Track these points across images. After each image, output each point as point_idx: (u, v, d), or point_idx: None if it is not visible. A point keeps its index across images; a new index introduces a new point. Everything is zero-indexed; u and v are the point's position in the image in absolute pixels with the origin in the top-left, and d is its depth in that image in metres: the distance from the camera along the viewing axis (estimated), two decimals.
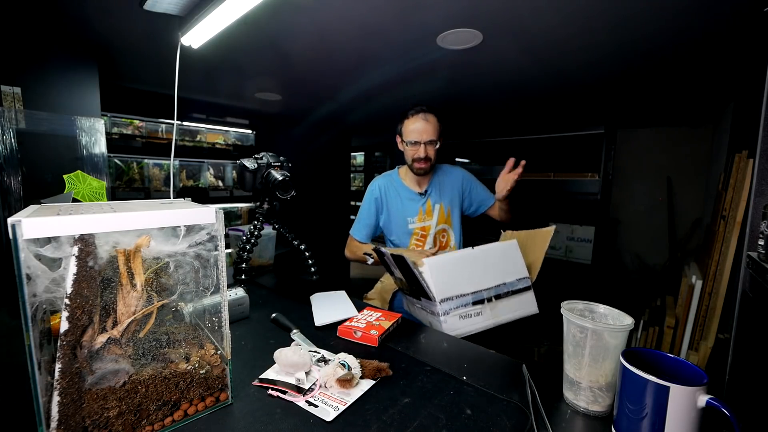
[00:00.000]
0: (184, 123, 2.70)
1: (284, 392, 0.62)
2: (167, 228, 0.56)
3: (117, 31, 1.45)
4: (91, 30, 1.46)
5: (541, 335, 2.68)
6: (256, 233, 1.21)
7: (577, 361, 0.59)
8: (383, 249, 1.05)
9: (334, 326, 0.89)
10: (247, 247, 1.19)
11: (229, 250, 1.48)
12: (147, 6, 1.14)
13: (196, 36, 1.25)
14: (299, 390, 0.62)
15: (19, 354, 0.44)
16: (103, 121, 1.61)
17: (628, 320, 0.59)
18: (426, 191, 1.41)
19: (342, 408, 0.59)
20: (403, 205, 1.41)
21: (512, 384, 0.67)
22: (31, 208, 0.56)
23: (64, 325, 0.47)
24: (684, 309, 1.78)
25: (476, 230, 1.66)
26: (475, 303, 0.95)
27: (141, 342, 0.54)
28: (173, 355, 0.57)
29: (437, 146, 1.35)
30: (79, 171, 0.88)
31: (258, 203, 1.24)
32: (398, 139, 1.39)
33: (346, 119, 3.42)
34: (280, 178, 1.13)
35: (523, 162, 1.21)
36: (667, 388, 0.46)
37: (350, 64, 1.80)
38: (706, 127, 2.86)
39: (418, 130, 1.31)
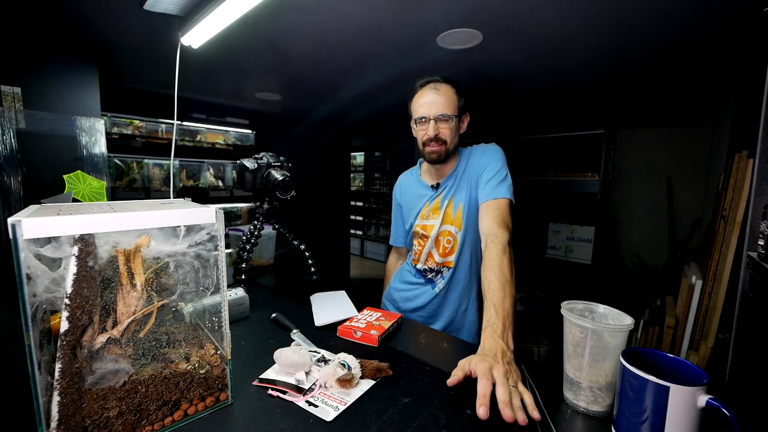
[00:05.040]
0: (184, 123, 2.70)
1: (284, 392, 0.62)
2: (167, 228, 0.56)
3: (117, 31, 1.45)
4: (91, 30, 1.46)
5: (541, 335, 2.68)
6: (256, 233, 1.21)
7: (577, 361, 0.59)
8: None
9: (334, 326, 0.89)
10: (247, 247, 1.19)
11: (229, 250, 1.48)
12: (147, 6, 1.14)
13: (196, 36, 1.25)
14: (299, 390, 0.62)
15: (19, 354, 0.44)
16: (103, 121, 1.61)
17: (628, 320, 0.59)
18: (439, 184, 1.16)
19: (342, 408, 0.59)
20: (414, 202, 1.22)
21: None
22: (31, 208, 0.56)
23: (64, 325, 0.47)
24: (684, 309, 1.78)
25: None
26: None
27: (141, 342, 0.54)
28: (173, 355, 0.57)
29: (455, 124, 1.07)
30: (79, 171, 0.88)
31: (258, 203, 1.24)
32: (411, 125, 1.15)
33: (346, 119, 3.42)
34: (280, 178, 1.13)
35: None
36: (667, 388, 0.46)
37: (350, 64, 1.80)
38: (706, 127, 2.86)
39: (425, 104, 1.06)
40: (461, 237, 1.12)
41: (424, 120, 1.08)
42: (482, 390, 0.57)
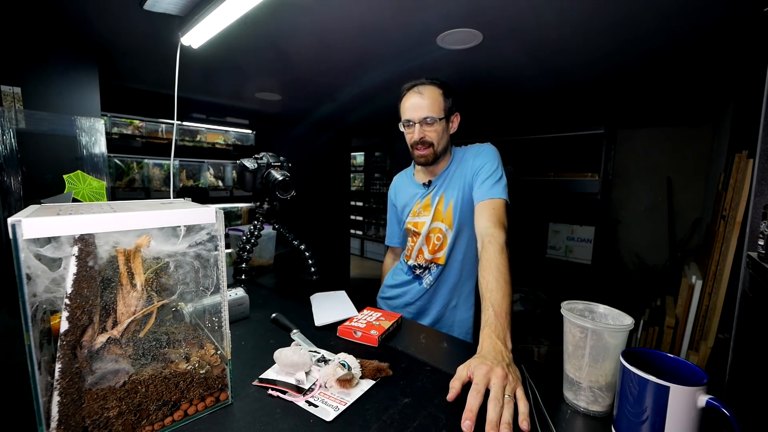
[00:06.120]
0: (184, 123, 2.70)
1: (284, 392, 0.62)
2: (167, 228, 0.56)
3: (117, 31, 1.45)
4: (91, 30, 1.46)
5: (541, 335, 2.68)
6: (256, 233, 1.21)
7: (577, 361, 0.59)
8: None
9: (334, 326, 0.89)
10: (247, 247, 1.19)
11: (229, 250, 1.48)
12: (147, 6, 1.14)
13: (196, 36, 1.25)
14: (299, 390, 0.62)
15: (19, 354, 0.44)
16: (103, 121, 1.61)
17: (628, 320, 0.59)
18: (431, 182, 1.18)
19: (342, 408, 0.59)
20: (407, 201, 1.23)
21: None
22: (31, 208, 0.56)
23: (64, 325, 0.47)
24: (684, 309, 1.78)
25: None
26: None
27: (141, 342, 0.54)
28: (173, 355, 0.57)
29: (442, 125, 1.07)
30: (79, 171, 0.88)
31: (258, 203, 1.24)
32: (400, 128, 1.16)
33: (346, 119, 3.42)
34: (280, 178, 1.13)
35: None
36: (667, 388, 0.46)
37: (350, 64, 1.80)
38: (706, 127, 2.86)
39: (410, 107, 1.07)
40: (452, 235, 1.12)
41: (410, 123, 1.09)
42: (471, 403, 0.55)
